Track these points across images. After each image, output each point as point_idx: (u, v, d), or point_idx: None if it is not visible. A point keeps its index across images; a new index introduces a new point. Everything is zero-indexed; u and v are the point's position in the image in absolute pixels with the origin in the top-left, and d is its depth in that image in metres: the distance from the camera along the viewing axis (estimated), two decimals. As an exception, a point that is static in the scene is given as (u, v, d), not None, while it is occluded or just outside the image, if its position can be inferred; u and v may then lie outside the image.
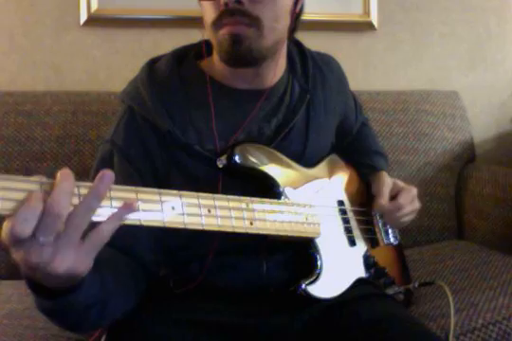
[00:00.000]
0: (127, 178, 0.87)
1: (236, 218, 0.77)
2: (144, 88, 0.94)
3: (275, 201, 0.87)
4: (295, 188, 0.94)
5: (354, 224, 1.04)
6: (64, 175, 0.56)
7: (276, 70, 0.98)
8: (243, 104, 0.97)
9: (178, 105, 0.93)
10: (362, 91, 1.68)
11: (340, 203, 1.04)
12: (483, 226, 1.64)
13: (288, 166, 0.96)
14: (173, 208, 0.69)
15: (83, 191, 0.59)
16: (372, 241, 1.06)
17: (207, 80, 0.96)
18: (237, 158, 0.88)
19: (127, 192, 0.65)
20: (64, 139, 1.55)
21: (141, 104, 0.92)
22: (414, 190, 1.05)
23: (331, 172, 1.06)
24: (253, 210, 0.80)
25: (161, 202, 0.68)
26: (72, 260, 0.58)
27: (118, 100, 0.99)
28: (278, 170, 0.93)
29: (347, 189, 1.08)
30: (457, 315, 1.10)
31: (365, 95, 1.72)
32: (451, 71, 2.00)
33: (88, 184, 0.60)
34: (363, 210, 1.07)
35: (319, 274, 0.91)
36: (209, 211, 0.73)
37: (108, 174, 0.58)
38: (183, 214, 0.70)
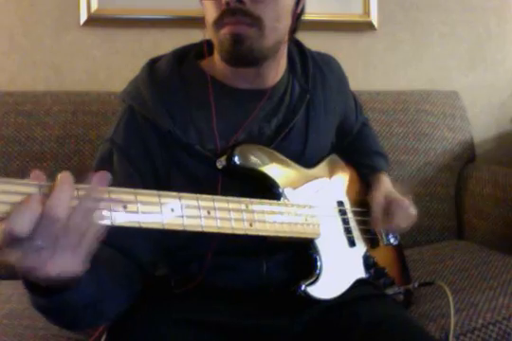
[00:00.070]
0: (126, 178, 0.87)
1: (235, 219, 0.77)
2: (145, 88, 0.94)
3: (274, 202, 0.87)
4: (294, 189, 0.94)
5: (353, 224, 1.04)
6: (64, 178, 0.55)
7: (277, 70, 0.98)
8: (244, 104, 0.97)
9: (179, 105, 0.93)
10: (362, 91, 1.68)
11: (340, 203, 1.04)
12: (483, 226, 1.64)
13: (288, 166, 0.96)
14: (172, 210, 0.69)
15: (82, 194, 0.59)
16: (371, 241, 1.06)
17: (207, 80, 0.96)
18: (236, 159, 0.88)
19: (126, 194, 0.65)
20: (64, 139, 1.55)
21: (142, 104, 0.92)
22: (405, 202, 1.05)
23: (331, 173, 1.06)
24: (253, 212, 0.80)
25: (160, 204, 0.68)
26: (67, 263, 0.57)
27: (119, 100, 0.98)
28: (277, 171, 0.93)
29: (347, 190, 1.08)
30: (457, 315, 1.10)
31: (365, 95, 1.72)
32: (451, 71, 2.00)
33: (86, 186, 0.60)
34: (363, 211, 1.07)
35: (318, 275, 0.91)
36: (208, 213, 0.73)
37: (105, 175, 0.57)
38: (182, 216, 0.70)
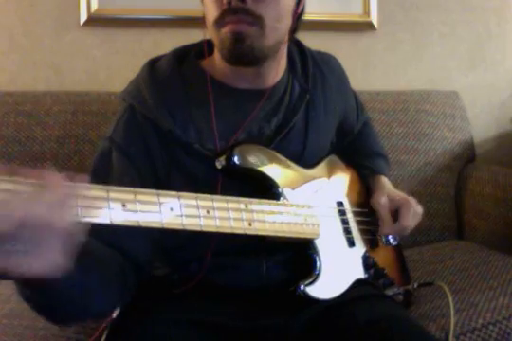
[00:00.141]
0: (124, 175, 0.87)
1: (235, 219, 0.77)
2: (145, 87, 0.94)
3: (274, 202, 0.87)
4: (294, 189, 0.94)
5: (353, 224, 1.04)
6: (52, 183, 0.54)
7: (277, 70, 0.98)
8: (243, 104, 0.97)
9: (179, 104, 0.93)
10: (362, 91, 1.67)
11: (340, 204, 1.04)
12: (483, 226, 1.64)
13: (287, 166, 0.96)
14: (171, 210, 0.69)
15: (81, 192, 0.59)
16: (371, 241, 1.06)
17: (207, 80, 0.96)
18: (236, 159, 0.88)
19: (125, 193, 0.65)
20: (64, 139, 1.55)
21: (142, 103, 0.92)
22: (412, 201, 1.04)
23: (330, 173, 1.06)
24: (252, 211, 0.80)
25: (160, 203, 0.68)
26: (42, 265, 0.55)
27: (119, 100, 0.98)
28: (277, 171, 0.93)
29: (346, 190, 1.07)
30: (457, 315, 1.10)
31: (365, 95, 1.72)
32: (451, 71, 2.00)
33: (85, 185, 0.60)
34: (362, 211, 1.07)
35: (317, 275, 0.91)
36: (207, 212, 0.73)
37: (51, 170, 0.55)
38: (181, 215, 0.70)
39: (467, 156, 1.79)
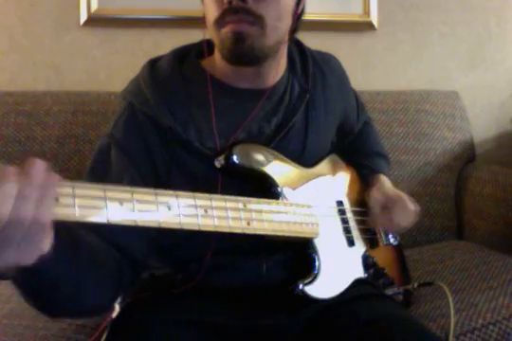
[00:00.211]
0: (123, 172, 0.87)
1: (233, 218, 0.77)
2: (146, 86, 0.94)
3: (273, 201, 0.87)
4: (293, 189, 0.94)
5: (353, 224, 1.04)
6: (8, 175, 0.53)
7: (277, 70, 0.98)
8: (243, 103, 0.97)
9: (180, 103, 0.93)
10: (362, 91, 1.67)
11: (339, 203, 1.04)
12: (483, 226, 1.64)
13: (287, 166, 0.96)
14: (169, 209, 0.69)
15: (78, 192, 0.59)
16: (371, 241, 1.06)
17: (207, 79, 0.96)
18: (235, 158, 0.88)
19: (122, 192, 0.65)
20: (64, 139, 1.55)
21: (143, 101, 0.92)
22: (404, 198, 1.05)
23: (330, 172, 1.06)
24: (250, 211, 0.80)
25: (157, 202, 0.68)
26: (11, 257, 0.55)
27: (119, 100, 0.98)
28: (276, 170, 0.93)
29: (346, 190, 1.07)
30: (457, 315, 1.10)
31: (365, 95, 1.72)
32: (451, 71, 2.00)
33: (82, 184, 0.60)
34: (362, 210, 1.07)
35: (316, 274, 0.91)
36: (205, 212, 0.73)
37: (35, 160, 0.55)
38: (179, 215, 0.70)
39: (467, 156, 1.79)
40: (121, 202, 0.64)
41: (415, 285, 1.10)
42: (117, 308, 0.96)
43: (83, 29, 1.77)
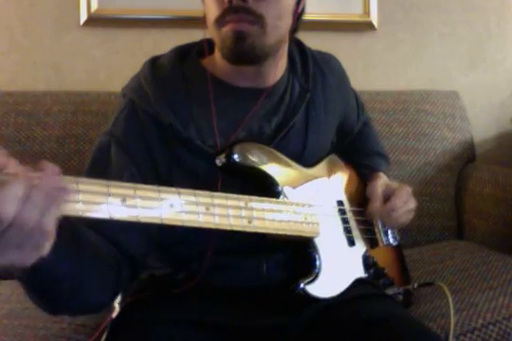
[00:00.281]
0: (123, 170, 0.87)
1: (234, 216, 0.77)
2: (147, 83, 0.94)
3: (274, 200, 0.87)
4: (294, 188, 0.94)
5: (353, 224, 1.04)
6: (18, 178, 0.53)
7: (277, 69, 0.98)
8: (244, 102, 0.97)
9: (180, 102, 0.93)
10: (362, 91, 1.66)
11: (340, 203, 1.04)
12: (483, 226, 1.64)
13: (287, 165, 0.96)
14: (171, 206, 0.69)
15: (82, 187, 0.59)
16: (371, 241, 1.06)
17: (208, 78, 0.96)
18: (236, 157, 0.88)
19: (125, 189, 0.65)
20: (64, 139, 1.55)
21: (144, 97, 0.92)
22: (408, 189, 1.04)
23: (330, 172, 1.06)
24: (252, 209, 0.80)
25: (160, 199, 0.68)
26: (14, 258, 0.55)
27: (119, 98, 0.98)
28: (277, 170, 0.93)
29: (346, 190, 1.07)
30: (457, 315, 1.10)
31: (365, 95, 1.72)
32: (451, 71, 2.00)
33: (86, 180, 0.60)
34: (363, 210, 1.07)
35: (317, 273, 0.91)
36: (207, 209, 0.73)
37: (49, 167, 0.54)
38: (181, 212, 0.70)
39: (467, 156, 1.79)
40: (124, 198, 0.64)
41: (415, 285, 1.10)
42: (117, 308, 0.96)
43: (83, 29, 1.77)
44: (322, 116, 1.04)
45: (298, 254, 0.94)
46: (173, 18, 1.79)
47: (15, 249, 0.55)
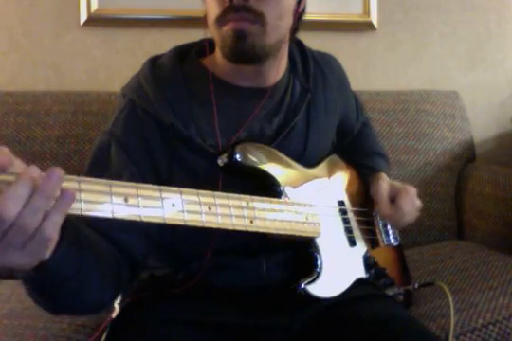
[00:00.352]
0: (123, 169, 0.87)
1: (236, 216, 0.77)
2: (147, 83, 0.94)
3: (275, 200, 0.87)
4: (295, 188, 0.94)
5: (354, 224, 1.04)
6: (23, 176, 0.53)
7: (278, 69, 0.98)
8: (244, 102, 0.97)
9: (181, 101, 0.93)
10: (362, 91, 1.68)
11: (341, 203, 1.04)
12: (483, 226, 1.64)
13: (289, 165, 0.96)
14: (173, 205, 0.69)
15: (84, 186, 0.59)
16: (372, 241, 1.06)
17: (209, 78, 0.96)
18: (238, 157, 0.88)
19: (127, 188, 0.65)
20: (64, 139, 1.55)
21: (144, 97, 0.92)
22: (413, 190, 1.04)
23: (331, 172, 1.06)
24: (253, 209, 0.80)
25: (162, 198, 0.68)
26: (14, 259, 0.55)
27: (119, 98, 0.98)
28: (278, 170, 0.93)
29: (348, 190, 1.07)
30: (457, 315, 1.10)
31: (365, 95, 1.72)
32: (451, 71, 2.00)
33: (88, 179, 0.60)
34: (364, 211, 1.07)
35: (318, 273, 0.91)
36: (209, 209, 0.74)
37: (55, 171, 0.54)
38: (183, 211, 0.70)
39: (467, 156, 1.79)
40: (127, 197, 0.65)
41: (416, 286, 1.10)
42: (117, 308, 0.96)
43: (83, 29, 1.77)
44: (323, 116, 1.04)
45: (299, 254, 0.94)
46: (173, 18, 1.79)
47: (16, 251, 0.55)
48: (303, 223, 0.89)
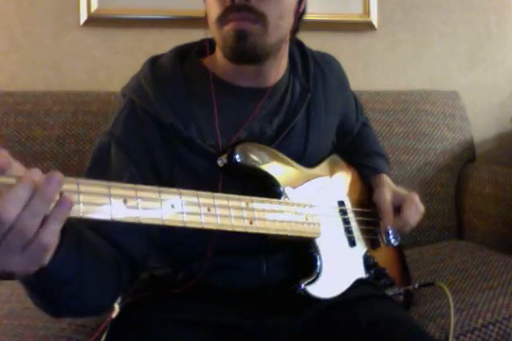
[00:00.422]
0: (124, 171, 0.87)
1: (236, 217, 0.77)
2: (147, 83, 0.93)
3: (275, 200, 0.87)
4: (295, 188, 0.94)
5: (354, 224, 1.04)
6: (24, 179, 0.53)
7: (278, 69, 0.98)
8: (245, 102, 0.97)
9: (181, 101, 0.93)
10: (362, 91, 1.68)
11: (341, 203, 1.04)
12: (483, 226, 1.64)
13: (289, 166, 0.96)
14: (172, 207, 0.69)
15: (83, 188, 0.59)
16: (372, 241, 1.06)
17: (209, 78, 0.96)
18: (238, 157, 0.88)
19: (126, 190, 0.65)
20: (64, 139, 1.55)
21: (144, 97, 0.92)
22: (416, 198, 1.04)
23: (332, 173, 1.06)
24: (253, 210, 0.80)
25: (161, 200, 0.68)
26: (14, 264, 0.55)
27: (119, 98, 0.98)
28: (278, 170, 0.93)
29: (348, 190, 1.07)
30: (457, 315, 1.10)
31: (365, 95, 1.72)
32: (451, 71, 2.00)
33: (87, 181, 0.60)
34: (364, 211, 1.07)
35: (318, 274, 0.91)
36: (208, 210, 0.73)
37: (55, 175, 0.54)
38: (182, 213, 0.70)
39: (467, 156, 1.79)
40: (126, 199, 0.64)
41: (416, 286, 1.10)
42: (117, 308, 0.96)
43: (83, 29, 1.77)
44: (323, 116, 1.04)
45: (299, 254, 0.94)
46: (173, 18, 1.79)
47: (16, 255, 0.55)
48: (303, 223, 0.89)
